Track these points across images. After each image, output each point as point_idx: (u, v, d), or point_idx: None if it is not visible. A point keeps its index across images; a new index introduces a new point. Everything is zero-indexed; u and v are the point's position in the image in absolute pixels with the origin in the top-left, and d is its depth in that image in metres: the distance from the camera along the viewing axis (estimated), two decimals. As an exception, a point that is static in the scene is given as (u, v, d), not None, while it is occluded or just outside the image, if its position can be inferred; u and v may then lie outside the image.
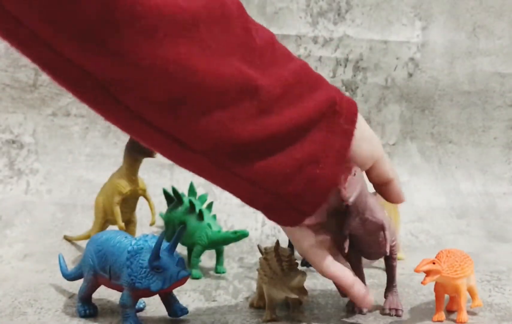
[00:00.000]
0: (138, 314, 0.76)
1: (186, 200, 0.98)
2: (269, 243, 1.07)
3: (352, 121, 0.52)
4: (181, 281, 0.70)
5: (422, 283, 0.72)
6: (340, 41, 1.39)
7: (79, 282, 0.79)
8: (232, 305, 0.81)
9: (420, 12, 1.42)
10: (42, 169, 1.29)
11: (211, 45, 0.43)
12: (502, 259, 1.06)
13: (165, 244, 0.71)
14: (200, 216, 0.94)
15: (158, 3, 0.39)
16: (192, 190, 1.02)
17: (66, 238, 1.11)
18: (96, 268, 0.75)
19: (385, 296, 0.79)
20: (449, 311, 0.78)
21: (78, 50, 0.40)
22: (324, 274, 0.62)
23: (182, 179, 1.28)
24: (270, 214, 0.54)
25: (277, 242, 0.77)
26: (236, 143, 0.46)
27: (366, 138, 0.54)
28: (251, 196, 0.52)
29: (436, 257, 0.73)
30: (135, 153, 0.96)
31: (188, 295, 0.85)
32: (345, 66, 1.40)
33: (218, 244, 0.94)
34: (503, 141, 1.44)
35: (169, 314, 0.75)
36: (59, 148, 1.32)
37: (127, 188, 0.97)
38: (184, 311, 0.76)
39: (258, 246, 0.83)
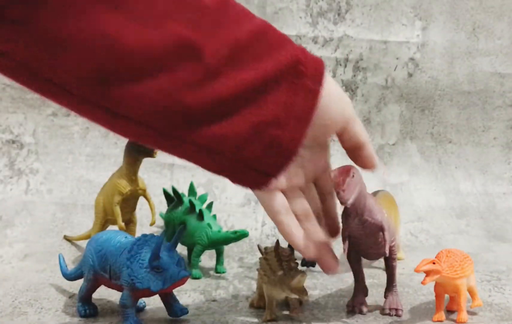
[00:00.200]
0: (138, 314, 0.76)
1: (186, 200, 0.98)
2: (269, 243, 1.07)
3: (319, 81, 0.50)
4: (181, 281, 0.70)
5: (422, 283, 0.72)
6: (340, 41, 1.39)
7: (79, 282, 0.79)
8: (232, 305, 0.82)
9: (420, 12, 1.42)
10: (42, 169, 1.29)
11: (143, 11, 0.42)
12: (502, 259, 1.06)
13: (165, 244, 0.72)
14: (200, 216, 0.94)
15: None
16: (192, 190, 1.02)
17: (66, 238, 1.11)
18: (96, 268, 0.76)
19: (385, 296, 0.79)
20: (449, 311, 0.78)
21: None
22: (287, 240, 0.59)
23: (182, 178, 1.28)
24: (233, 178, 0.51)
25: (277, 242, 0.77)
26: (183, 110, 0.45)
27: (335, 99, 0.51)
28: (209, 162, 0.49)
29: (436, 257, 0.74)
30: (135, 153, 0.96)
31: (188, 295, 0.85)
32: (345, 66, 1.40)
33: (218, 244, 0.94)
34: (503, 141, 1.44)
35: (169, 314, 0.75)
36: (59, 148, 1.32)
37: (127, 188, 0.97)
38: (184, 311, 0.76)
39: (258, 246, 0.83)
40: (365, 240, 0.73)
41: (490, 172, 1.41)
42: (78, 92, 0.42)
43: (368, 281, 0.82)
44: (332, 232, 0.61)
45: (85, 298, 0.77)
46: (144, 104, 0.44)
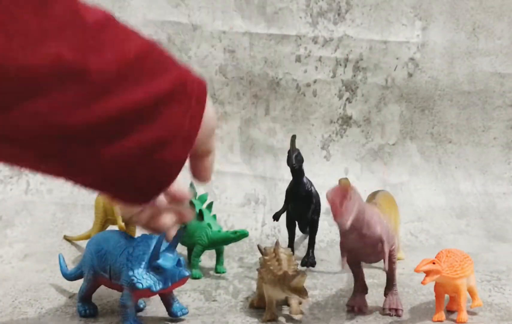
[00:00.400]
0: (138, 314, 0.76)
1: (186, 200, 0.98)
2: (269, 243, 1.07)
3: (202, 102, 0.51)
4: (181, 281, 0.70)
5: (422, 283, 0.72)
6: (340, 41, 1.39)
7: (79, 282, 0.79)
8: (232, 305, 0.82)
9: (420, 12, 1.42)
10: (42, 169, 1.29)
11: (16, 34, 0.42)
12: (502, 258, 1.06)
13: (165, 245, 0.72)
14: (200, 216, 0.94)
15: None
16: (192, 190, 1.02)
17: (66, 238, 1.11)
18: (96, 268, 0.76)
19: (385, 295, 0.79)
20: (449, 311, 0.78)
21: None
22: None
23: (182, 179, 1.28)
24: (113, 195, 0.52)
25: (277, 242, 0.77)
26: (64, 131, 0.45)
27: (209, 118, 0.53)
28: (88, 180, 0.50)
29: (436, 257, 0.74)
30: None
31: (188, 295, 0.85)
32: (345, 66, 1.40)
33: (218, 244, 0.94)
34: (503, 141, 1.44)
35: (169, 314, 0.75)
36: (59, 148, 1.32)
37: (127, 188, 0.97)
38: (184, 311, 0.76)
39: (258, 246, 0.83)
40: (364, 250, 0.73)
41: (490, 172, 1.41)
42: None
43: (368, 281, 0.82)
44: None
45: (85, 298, 0.77)
46: (23, 128, 0.44)
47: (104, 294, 0.81)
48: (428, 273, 0.71)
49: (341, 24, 1.40)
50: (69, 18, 0.44)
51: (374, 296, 0.83)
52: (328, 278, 0.91)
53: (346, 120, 1.40)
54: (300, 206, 0.97)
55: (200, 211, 0.94)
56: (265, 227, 1.18)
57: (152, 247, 0.70)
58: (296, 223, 1.01)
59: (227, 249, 0.99)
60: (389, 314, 0.77)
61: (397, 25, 1.41)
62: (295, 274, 0.71)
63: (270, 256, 0.75)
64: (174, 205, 0.58)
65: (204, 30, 1.34)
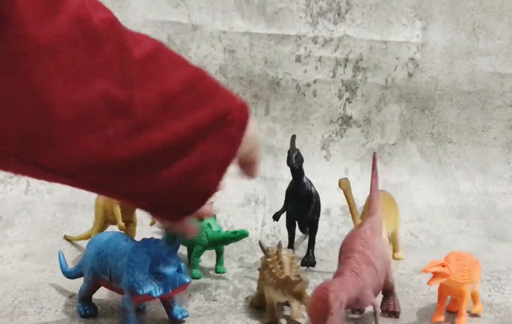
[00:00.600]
0: (138, 315, 0.76)
1: (186, 200, 0.98)
2: (269, 243, 1.07)
3: (243, 128, 0.53)
4: (181, 288, 0.70)
5: (428, 283, 0.72)
6: (340, 41, 1.39)
7: (79, 282, 0.79)
8: (232, 305, 0.82)
9: (420, 12, 1.42)
10: (42, 169, 1.29)
11: (70, 72, 0.42)
12: (502, 258, 1.06)
13: (166, 250, 0.71)
14: (200, 216, 0.94)
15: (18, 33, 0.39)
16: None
17: (66, 238, 1.11)
18: (97, 270, 0.75)
19: (383, 294, 0.78)
20: (450, 312, 0.78)
21: None
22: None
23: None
24: (153, 214, 0.55)
25: (279, 244, 0.76)
26: (112, 164, 0.46)
27: (251, 137, 0.54)
28: (133, 202, 0.53)
29: (445, 259, 0.73)
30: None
31: (188, 294, 0.85)
32: (345, 66, 1.40)
33: (218, 243, 0.94)
34: (503, 141, 1.44)
35: (169, 317, 0.75)
36: (59, 148, 1.32)
37: (127, 188, 0.97)
38: (184, 314, 0.76)
39: (260, 243, 0.82)
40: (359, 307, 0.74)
41: (490, 172, 1.41)
42: (6, 149, 0.42)
43: (368, 281, 0.82)
44: None
45: (85, 298, 0.77)
46: (75, 161, 0.44)
47: (104, 294, 0.81)
48: (436, 274, 0.71)
49: (341, 24, 1.40)
50: (116, 53, 0.44)
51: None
52: (328, 278, 0.91)
53: (346, 120, 1.40)
54: (300, 206, 0.97)
55: (200, 211, 0.94)
56: (265, 227, 1.18)
57: (152, 252, 0.70)
58: (296, 223, 1.01)
59: (227, 249, 0.99)
60: (388, 317, 0.77)
61: (397, 25, 1.41)
62: (297, 280, 0.71)
63: (273, 258, 0.75)
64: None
65: (204, 30, 1.34)
